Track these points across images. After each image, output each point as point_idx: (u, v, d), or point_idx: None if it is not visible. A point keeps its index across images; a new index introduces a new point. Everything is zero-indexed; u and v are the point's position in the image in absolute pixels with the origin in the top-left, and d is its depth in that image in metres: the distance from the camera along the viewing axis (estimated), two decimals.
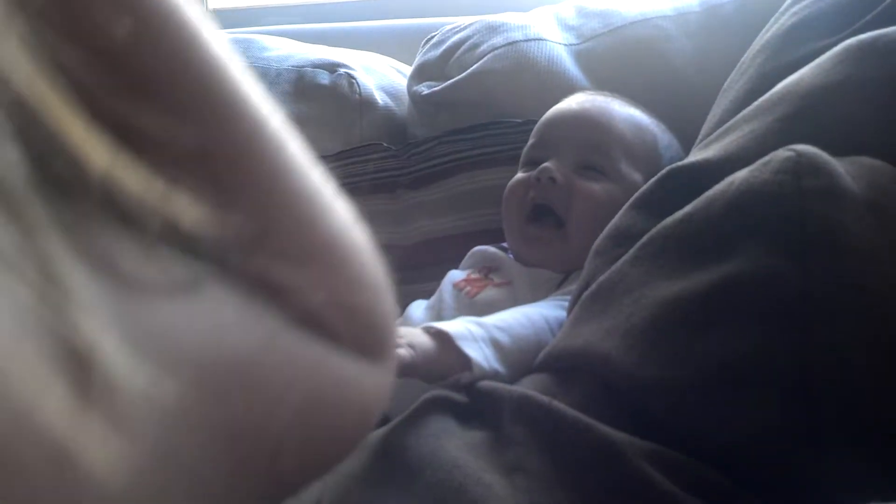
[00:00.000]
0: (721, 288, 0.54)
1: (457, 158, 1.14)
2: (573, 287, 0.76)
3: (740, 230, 0.55)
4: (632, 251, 0.64)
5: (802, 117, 0.64)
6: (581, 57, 1.16)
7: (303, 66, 1.32)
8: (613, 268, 0.65)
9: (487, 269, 0.90)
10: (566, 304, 0.76)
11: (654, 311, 0.56)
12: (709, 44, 1.12)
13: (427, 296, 0.96)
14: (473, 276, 0.89)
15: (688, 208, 0.61)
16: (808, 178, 0.54)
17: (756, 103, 0.71)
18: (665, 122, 1.09)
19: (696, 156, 0.71)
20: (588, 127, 0.91)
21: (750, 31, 1.03)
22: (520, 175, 0.94)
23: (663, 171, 0.70)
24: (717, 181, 0.64)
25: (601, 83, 1.14)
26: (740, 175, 0.58)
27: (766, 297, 0.52)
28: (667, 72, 1.12)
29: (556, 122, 0.95)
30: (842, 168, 0.55)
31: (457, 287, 0.88)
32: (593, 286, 0.65)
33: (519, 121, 1.11)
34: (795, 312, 0.50)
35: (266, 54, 1.37)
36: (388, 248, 1.12)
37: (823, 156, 0.56)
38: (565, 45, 1.18)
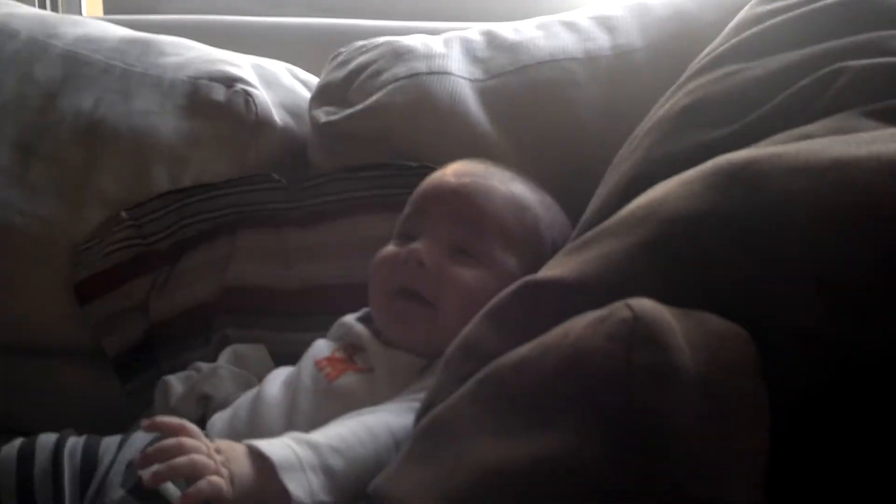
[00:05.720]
0: (535, 467, 0.49)
1: (347, 199, 1.07)
2: (431, 382, 0.71)
3: (564, 398, 0.51)
4: (471, 384, 0.60)
5: (661, 247, 0.60)
6: (486, 94, 1.10)
7: (198, 78, 1.23)
8: (451, 399, 0.60)
9: (353, 349, 0.85)
10: (418, 405, 0.72)
11: (474, 478, 0.52)
12: (616, 92, 1.06)
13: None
14: (337, 354, 0.84)
15: (525, 350, 0.57)
16: (639, 352, 0.50)
17: (622, 215, 0.66)
18: (565, 172, 1.04)
19: (555, 267, 0.66)
20: (465, 206, 0.86)
21: (659, 81, 0.97)
22: (390, 248, 0.88)
23: (518, 283, 0.65)
24: (569, 303, 0.60)
25: (504, 125, 1.08)
26: (576, 328, 0.54)
27: (577, 488, 0.48)
28: (571, 118, 1.07)
29: (433, 195, 0.89)
30: (681, 336, 0.51)
31: (318, 366, 0.83)
32: (428, 417, 0.61)
33: (414, 164, 1.05)
34: None
35: (162, 60, 1.28)
36: (273, 292, 1.07)
37: (662, 321, 0.51)
38: (470, 80, 1.11)
